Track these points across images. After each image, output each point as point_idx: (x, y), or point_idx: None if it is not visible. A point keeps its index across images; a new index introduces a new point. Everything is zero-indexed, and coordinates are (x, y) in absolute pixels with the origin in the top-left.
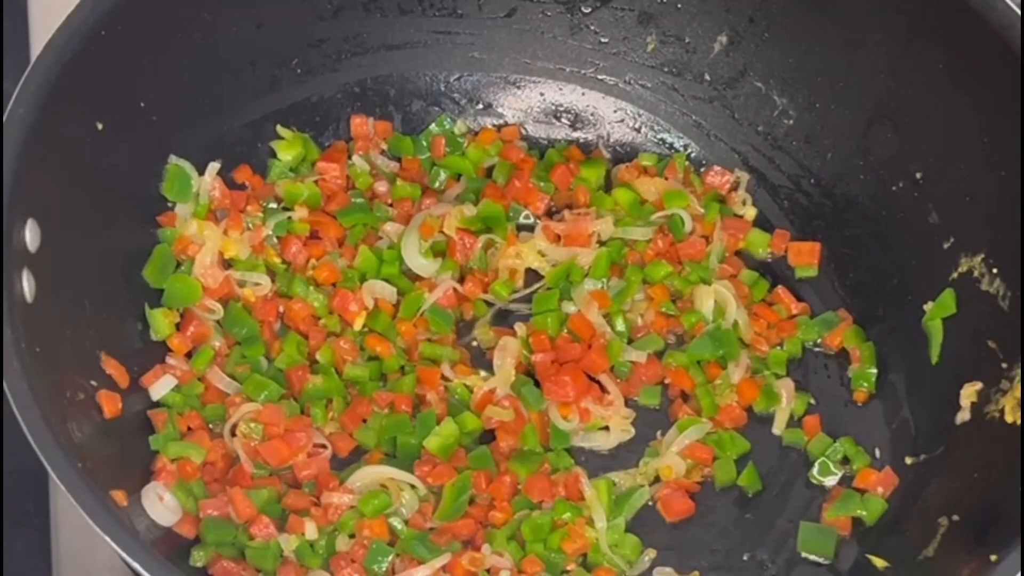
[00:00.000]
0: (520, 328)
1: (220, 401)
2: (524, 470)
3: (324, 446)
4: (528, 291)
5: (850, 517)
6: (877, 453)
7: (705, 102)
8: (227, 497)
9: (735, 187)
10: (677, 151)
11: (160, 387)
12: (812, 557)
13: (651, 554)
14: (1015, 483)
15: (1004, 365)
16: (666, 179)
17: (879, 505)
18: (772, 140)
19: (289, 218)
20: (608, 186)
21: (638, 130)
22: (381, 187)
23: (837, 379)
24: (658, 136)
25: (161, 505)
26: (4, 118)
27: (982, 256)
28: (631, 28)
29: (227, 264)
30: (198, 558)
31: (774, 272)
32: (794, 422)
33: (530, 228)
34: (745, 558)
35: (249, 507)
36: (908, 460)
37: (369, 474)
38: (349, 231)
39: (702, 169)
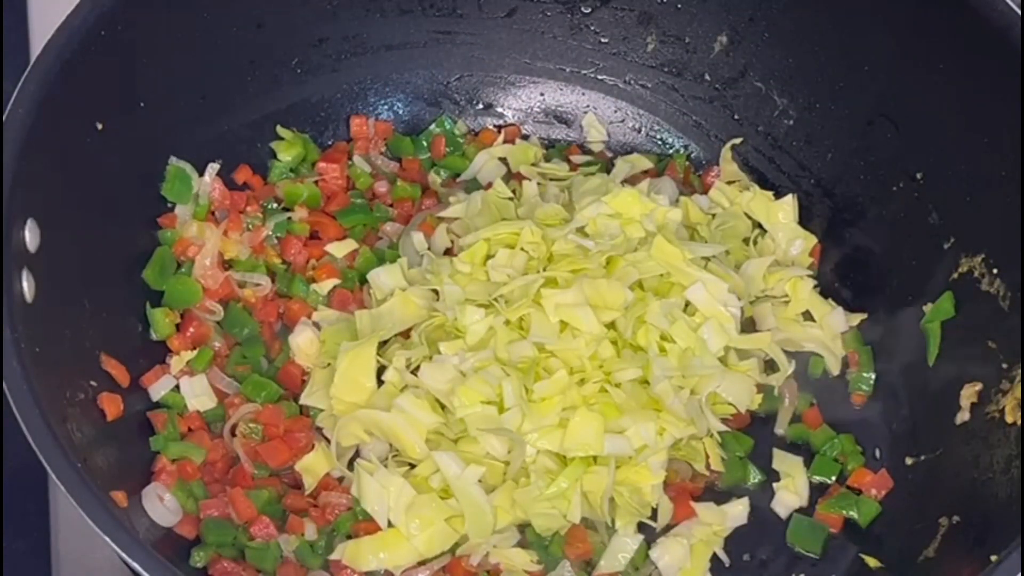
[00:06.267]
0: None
1: (220, 401)
2: None
3: None
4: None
5: (842, 516)
6: (877, 453)
7: (705, 102)
8: (227, 498)
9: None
10: (677, 151)
11: (160, 387)
12: (800, 550)
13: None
14: (1015, 483)
15: (1004, 365)
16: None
17: (872, 508)
18: (772, 140)
19: (289, 218)
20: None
21: (638, 130)
22: (381, 187)
23: (838, 380)
24: (658, 136)
25: (161, 506)
26: (4, 118)
27: (982, 256)
28: (631, 28)
29: (227, 265)
30: (198, 559)
31: None
32: (795, 419)
33: None
34: (745, 558)
35: (249, 507)
36: (908, 460)
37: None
38: (349, 231)
39: (702, 169)
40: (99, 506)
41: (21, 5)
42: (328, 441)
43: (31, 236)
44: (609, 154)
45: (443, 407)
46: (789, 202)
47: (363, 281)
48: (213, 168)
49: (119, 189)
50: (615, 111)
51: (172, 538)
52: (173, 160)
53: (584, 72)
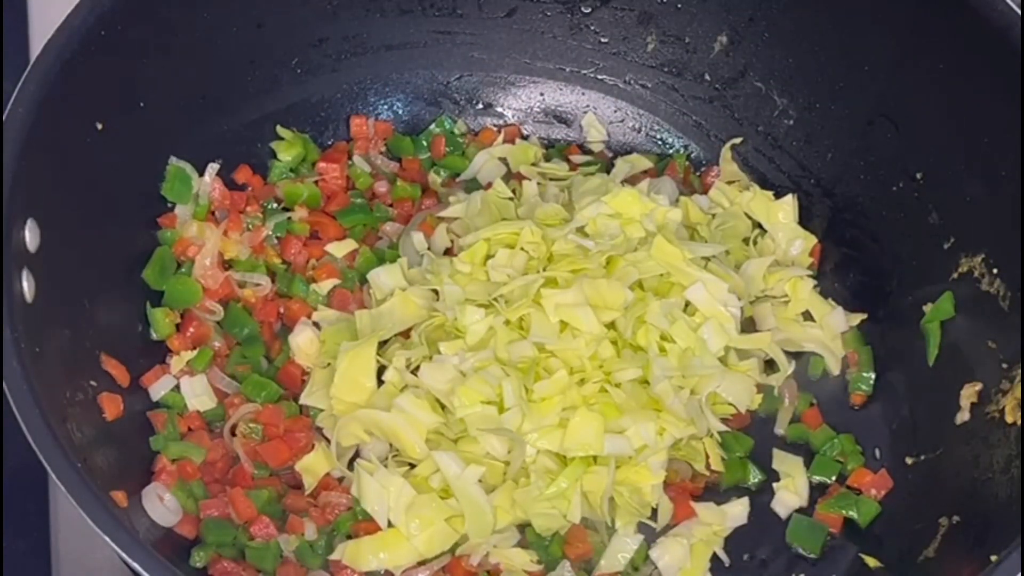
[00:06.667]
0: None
1: (220, 401)
2: None
3: None
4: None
5: (842, 516)
6: (877, 453)
7: (705, 102)
8: (227, 497)
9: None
10: (677, 151)
11: (160, 387)
12: (800, 550)
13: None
14: (1015, 483)
15: (1004, 365)
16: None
17: (872, 508)
18: (772, 140)
19: (289, 218)
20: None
21: (638, 130)
22: (381, 187)
23: (838, 380)
24: (658, 136)
25: (161, 506)
26: (4, 118)
27: (982, 256)
28: (631, 28)
29: (227, 265)
30: (198, 558)
31: None
32: (795, 419)
33: None
34: (745, 558)
35: (249, 507)
36: (908, 460)
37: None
38: (349, 231)
39: (702, 169)
40: (99, 506)
41: (21, 5)
42: (328, 441)
43: (31, 236)
44: (609, 154)
45: (443, 407)
46: (789, 202)
47: (363, 281)
48: (213, 168)
49: (119, 189)
50: (615, 111)
51: (172, 538)
52: (173, 160)
53: (584, 72)
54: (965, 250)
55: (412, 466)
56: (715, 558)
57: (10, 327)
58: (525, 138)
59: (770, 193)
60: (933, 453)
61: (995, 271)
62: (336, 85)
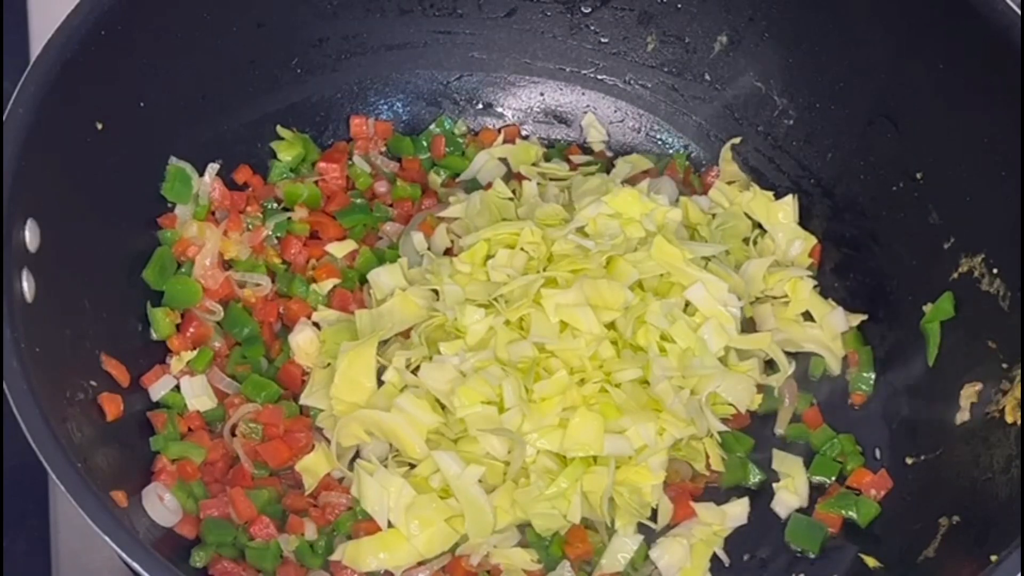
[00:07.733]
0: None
1: (220, 401)
2: None
3: None
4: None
5: (841, 516)
6: (877, 453)
7: (705, 102)
8: (227, 497)
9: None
10: (677, 151)
11: (160, 387)
12: (799, 549)
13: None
14: (1015, 483)
15: (1004, 365)
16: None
17: (871, 508)
18: (772, 140)
19: (289, 218)
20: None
21: (638, 130)
22: (381, 187)
23: (838, 380)
24: (658, 136)
25: (161, 506)
26: (4, 118)
27: (982, 256)
28: (631, 28)
29: (227, 265)
30: (198, 559)
31: None
32: (795, 419)
33: None
34: (745, 558)
35: (249, 507)
36: (908, 460)
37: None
38: (349, 231)
39: (702, 169)
40: (99, 506)
41: (21, 5)
42: (328, 441)
43: (31, 236)
44: (609, 154)
45: (443, 407)
46: (789, 202)
47: (363, 281)
48: (213, 168)
49: (119, 189)
50: (615, 111)
51: (172, 538)
52: (173, 160)
53: (584, 72)
54: (965, 250)
55: (412, 466)
56: (715, 558)
57: (10, 327)
58: (525, 138)
59: (770, 193)
60: (933, 453)
61: (995, 271)
62: (336, 85)
